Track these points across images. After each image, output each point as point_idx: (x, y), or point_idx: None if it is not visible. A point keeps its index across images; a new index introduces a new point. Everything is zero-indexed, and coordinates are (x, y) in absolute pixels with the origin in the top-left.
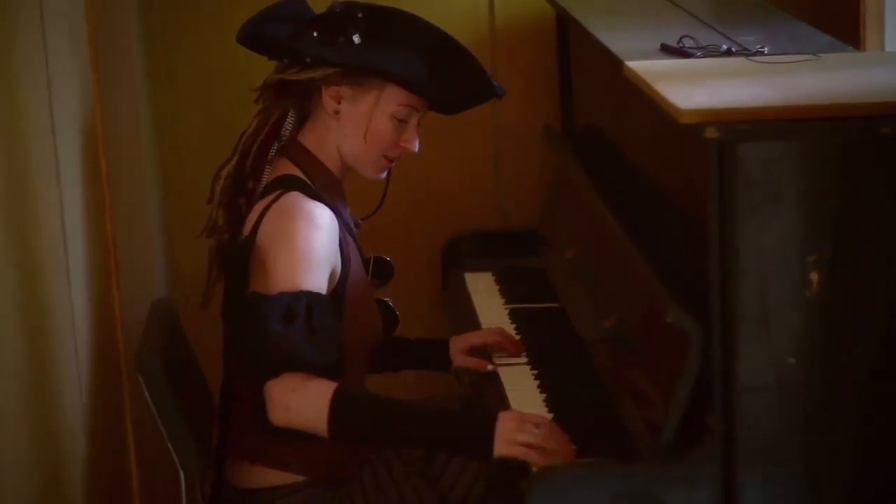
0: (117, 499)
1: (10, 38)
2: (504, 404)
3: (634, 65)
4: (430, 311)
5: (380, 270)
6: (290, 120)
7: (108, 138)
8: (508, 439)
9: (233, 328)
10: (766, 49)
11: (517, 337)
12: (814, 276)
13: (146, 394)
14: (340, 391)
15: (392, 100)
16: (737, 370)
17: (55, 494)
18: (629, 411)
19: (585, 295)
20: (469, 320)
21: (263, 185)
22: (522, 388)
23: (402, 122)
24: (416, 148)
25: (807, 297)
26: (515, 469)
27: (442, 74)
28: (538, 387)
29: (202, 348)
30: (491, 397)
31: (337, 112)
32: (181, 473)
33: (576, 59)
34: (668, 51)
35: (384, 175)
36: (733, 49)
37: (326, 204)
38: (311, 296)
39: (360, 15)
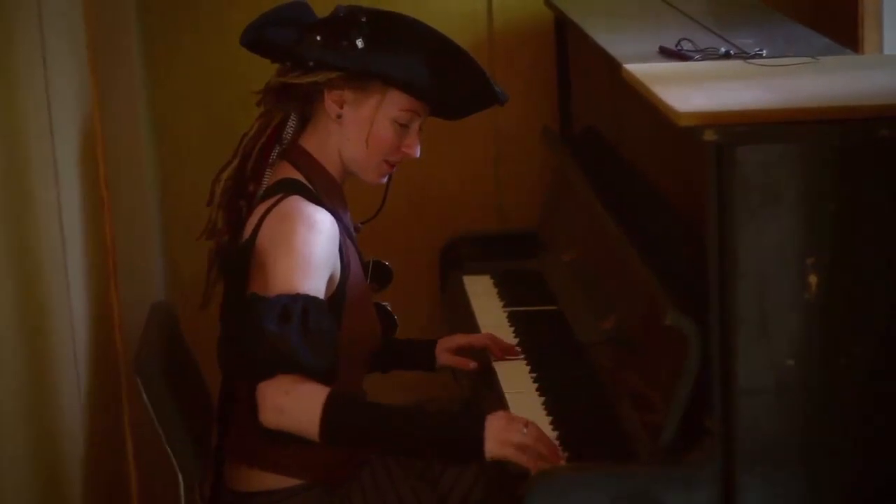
0: (116, 502)
1: (8, 39)
2: (503, 407)
3: (633, 67)
4: (429, 314)
5: (379, 275)
6: (292, 123)
7: (106, 140)
8: (500, 439)
9: (231, 330)
10: (764, 52)
11: (516, 339)
12: (812, 279)
13: (145, 396)
14: (334, 396)
15: (394, 104)
16: (736, 372)
17: (54, 496)
18: (628, 413)
19: (584, 297)
20: (467, 323)
21: (264, 189)
22: (521, 391)
23: (403, 127)
24: (418, 153)
25: (805, 300)
26: (514, 471)
27: (445, 80)
28: (537, 389)
29: (201, 351)
30: (489, 400)
31: (339, 116)
32: (180, 476)
33: (574, 61)
34: (666, 53)
35: (385, 180)
36: (731, 52)
37: (327, 208)
38: (308, 299)
39: (363, 19)
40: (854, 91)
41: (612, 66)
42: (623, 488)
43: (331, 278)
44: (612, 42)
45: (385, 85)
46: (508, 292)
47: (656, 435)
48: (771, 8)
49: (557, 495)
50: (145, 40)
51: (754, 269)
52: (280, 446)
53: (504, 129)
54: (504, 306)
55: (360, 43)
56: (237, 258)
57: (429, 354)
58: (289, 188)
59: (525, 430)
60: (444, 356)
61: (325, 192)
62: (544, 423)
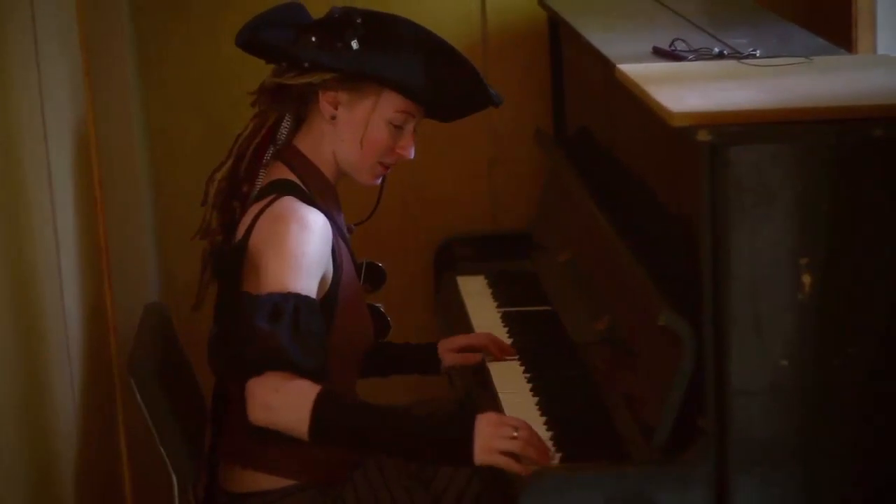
0: (110, 503)
1: (2, 42)
2: (497, 407)
3: (626, 68)
4: (423, 315)
5: (372, 276)
6: (287, 124)
7: (100, 142)
8: (487, 447)
9: (223, 330)
10: (757, 52)
11: (510, 340)
12: (806, 279)
13: (138, 397)
14: (324, 394)
15: (389, 106)
16: (729, 372)
17: (47, 497)
18: (622, 413)
19: (578, 298)
20: (462, 324)
21: (258, 189)
22: (515, 392)
23: (398, 129)
24: (412, 155)
25: (799, 300)
26: (508, 472)
27: (440, 81)
28: (531, 390)
29: (195, 352)
30: (484, 401)
31: (333, 117)
32: (173, 477)
33: (568, 62)
34: (660, 54)
35: (379, 181)
36: (725, 52)
37: (320, 209)
38: (300, 298)
39: (358, 21)
40: (848, 91)
41: (605, 67)
42: (617, 488)
43: (323, 279)
44: (606, 42)
45: (380, 86)
46: (503, 293)
47: (650, 435)
48: (765, 8)
49: (552, 495)
50: (139, 42)
51: (748, 269)
52: (274, 447)
53: (498, 131)
54: (498, 307)
55: (354, 44)
56: (230, 258)
57: (431, 358)
58: (282, 189)
59: (516, 434)
60: (448, 356)
61: (319, 193)
62: (538, 423)
